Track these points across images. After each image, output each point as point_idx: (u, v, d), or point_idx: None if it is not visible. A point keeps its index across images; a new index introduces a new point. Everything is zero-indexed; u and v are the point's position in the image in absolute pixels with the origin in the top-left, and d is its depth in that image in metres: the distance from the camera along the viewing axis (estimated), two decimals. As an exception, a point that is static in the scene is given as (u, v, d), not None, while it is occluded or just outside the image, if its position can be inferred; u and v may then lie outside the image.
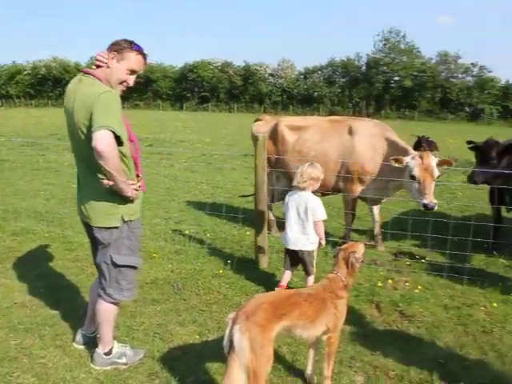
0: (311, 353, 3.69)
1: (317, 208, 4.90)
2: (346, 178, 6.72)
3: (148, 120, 37.27)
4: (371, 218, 7.19)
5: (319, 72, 68.67)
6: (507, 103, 57.28)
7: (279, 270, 5.90)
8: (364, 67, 67.11)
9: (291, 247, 5.04)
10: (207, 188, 11.22)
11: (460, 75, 63.24)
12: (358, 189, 6.75)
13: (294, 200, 5.03)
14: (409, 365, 3.93)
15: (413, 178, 5.97)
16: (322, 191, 6.89)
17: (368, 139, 6.68)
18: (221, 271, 5.83)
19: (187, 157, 16.23)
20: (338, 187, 6.94)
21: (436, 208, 5.96)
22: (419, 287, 5.43)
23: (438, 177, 6.04)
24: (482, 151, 6.53)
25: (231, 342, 2.99)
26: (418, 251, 6.68)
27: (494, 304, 5.04)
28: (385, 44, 66.01)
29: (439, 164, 6.03)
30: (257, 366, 2.97)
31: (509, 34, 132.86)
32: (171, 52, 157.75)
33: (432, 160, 5.96)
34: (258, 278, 5.68)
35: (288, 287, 5.12)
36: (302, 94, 65.83)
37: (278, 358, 3.96)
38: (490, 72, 61.48)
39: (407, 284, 5.50)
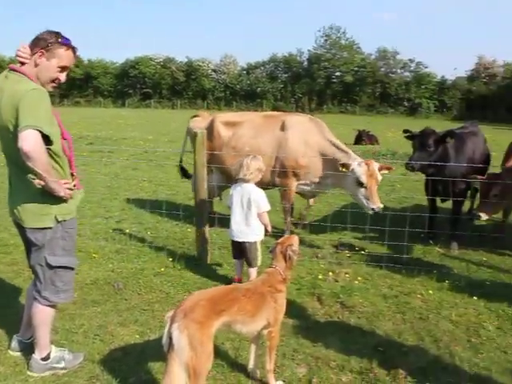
0: (253, 347, 3.70)
1: (260, 199, 5.03)
2: (282, 173, 6.83)
3: (89, 117, 36.44)
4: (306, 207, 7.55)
5: (261, 68, 69.01)
6: (443, 98, 59.39)
7: (221, 266, 5.93)
8: (306, 63, 67.95)
9: (236, 239, 5.17)
10: (149, 185, 11.08)
11: (398, 71, 65.04)
12: (294, 183, 6.89)
13: (238, 192, 5.12)
14: (350, 354, 4.01)
15: (360, 184, 6.18)
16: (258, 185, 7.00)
17: (301, 134, 6.84)
18: (162, 269, 5.77)
19: (129, 154, 15.94)
20: (273, 182, 7.01)
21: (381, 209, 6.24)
22: (359, 278, 5.56)
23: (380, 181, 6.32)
24: (419, 139, 6.71)
25: (170, 340, 2.97)
26: (358, 243, 6.85)
27: (430, 291, 5.23)
28: (326, 40, 67.07)
29: (380, 169, 6.30)
30: (197, 364, 2.96)
31: (444, 30, 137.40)
32: (112, 48, 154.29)
33: (376, 167, 6.22)
34: (201, 274, 5.66)
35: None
36: (245, 90, 65.95)
37: (221, 354, 3.97)
38: (426, 67, 63.79)
39: (347, 275, 5.62)
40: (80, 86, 68.93)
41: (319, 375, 3.73)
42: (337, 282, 5.47)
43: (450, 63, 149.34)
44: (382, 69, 64.37)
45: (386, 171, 6.44)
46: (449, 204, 7.22)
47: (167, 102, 66.81)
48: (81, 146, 16.35)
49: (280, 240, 3.76)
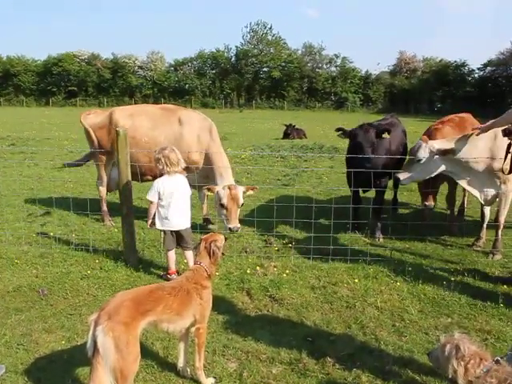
0: (182, 345, 3.67)
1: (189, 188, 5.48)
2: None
3: (10, 117, 34.97)
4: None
5: (189, 64, 68.43)
6: (368, 92, 61.19)
7: (151, 265, 5.84)
8: (233, 59, 68.00)
9: (175, 228, 5.34)
10: (75, 186, 10.73)
11: (324, 66, 66.39)
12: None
13: (171, 185, 5.28)
14: (279, 346, 4.07)
15: (221, 205, 6.64)
16: (152, 176, 7.15)
17: (196, 131, 7.23)
18: (89, 272, 5.62)
19: (53, 155, 15.42)
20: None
21: (239, 230, 6.73)
22: (288, 271, 5.64)
23: (242, 204, 6.75)
24: (364, 136, 6.81)
25: (95, 344, 2.91)
26: (286, 236, 6.91)
27: (356, 280, 5.39)
28: (253, 36, 67.40)
29: (246, 189, 6.85)
30: (124, 366, 2.92)
31: (367, 26, 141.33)
32: (32, 44, 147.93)
33: (239, 191, 6.69)
34: (129, 274, 5.57)
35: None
36: (173, 87, 65.28)
37: (151, 354, 3.94)
38: (351, 62, 65.47)
39: (276, 269, 5.69)
40: (-1, 84, 66.02)
41: (249, 369, 3.76)
42: (266, 275, 5.53)
43: (373, 58, 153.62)
44: (309, 64, 65.50)
45: (252, 192, 6.98)
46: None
47: (93, 100, 64.94)
48: (1, 148, 15.70)
49: (204, 236, 3.76)
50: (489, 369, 2.64)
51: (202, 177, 7.26)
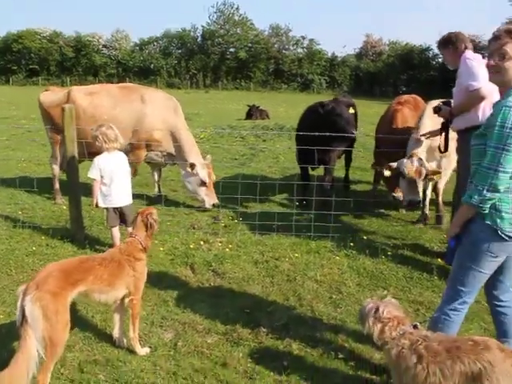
0: (117, 316, 3.72)
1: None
2: (133, 144, 7.10)
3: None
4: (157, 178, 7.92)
5: (155, 43, 67.25)
6: (333, 74, 61.37)
7: (97, 242, 5.86)
8: (200, 39, 67.16)
9: (118, 205, 5.32)
10: (29, 165, 10.59)
11: (291, 47, 66.23)
12: (143, 154, 7.30)
13: (113, 162, 5.23)
14: (217, 318, 4.17)
15: (203, 183, 6.93)
16: None
17: (160, 110, 7.21)
18: (35, 248, 5.60)
19: (10, 134, 15.07)
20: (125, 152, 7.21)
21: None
22: (232, 246, 5.74)
23: None
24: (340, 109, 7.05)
25: (23, 313, 2.93)
26: (235, 213, 6.98)
27: (298, 255, 5.52)
28: (219, 16, 66.66)
29: None
30: (53, 334, 2.97)
31: (334, 8, 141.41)
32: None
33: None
34: (75, 251, 5.57)
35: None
36: (138, 66, 64.05)
37: (90, 327, 4.02)
38: (318, 44, 65.32)
39: (221, 244, 5.78)
40: (-45, 63, 63.78)
41: (185, 338, 3.85)
42: (210, 250, 5.61)
43: (340, 41, 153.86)
44: (276, 45, 65.24)
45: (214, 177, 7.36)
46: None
47: (56, 79, 63.05)
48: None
49: (140, 210, 3.80)
50: (404, 332, 2.77)
51: (165, 156, 7.36)
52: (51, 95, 7.60)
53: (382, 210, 7.35)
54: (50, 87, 8.25)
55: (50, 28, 66.27)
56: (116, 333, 3.75)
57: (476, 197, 2.80)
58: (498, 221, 2.83)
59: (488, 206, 2.81)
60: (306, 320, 4.19)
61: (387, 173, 6.31)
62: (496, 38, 2.86)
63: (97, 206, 5.39)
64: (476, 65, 4.88)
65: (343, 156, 8.67)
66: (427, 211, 6.87)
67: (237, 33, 65.20)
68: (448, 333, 3.06)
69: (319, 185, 7.21)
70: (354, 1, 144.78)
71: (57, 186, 7.73)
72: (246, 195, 6.72)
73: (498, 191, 2.74)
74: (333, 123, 6.86)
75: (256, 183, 6.56)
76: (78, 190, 5.87)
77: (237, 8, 66.70)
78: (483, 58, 4.80)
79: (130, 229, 5.34)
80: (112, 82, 58.16)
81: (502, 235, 2.83)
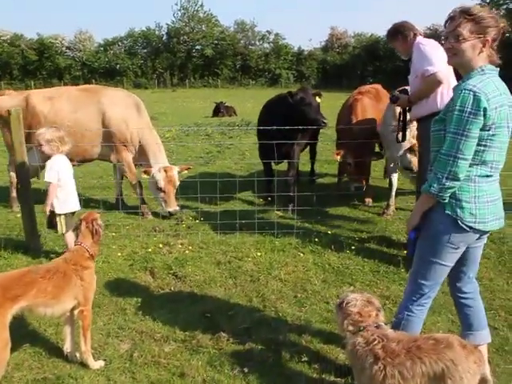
0: (67, 329, 3.50)
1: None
2: (111, 148, 6.87)
3: None
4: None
5: (119, 44, 66.37)
6: (301, 68, 61.52)
7: (53, 251, 5.60)
8: (165, 37, 66.59)
9: (76, 209, 5.14)
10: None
11: (257, 43, 66.16)
12: (128, 156, 6.99)
13: (64, 165, 5.02)
14: (176, 324, 3.98)
15: (159, 189, 6.61)
16: (80, 160, 6.97)
17: (122, 110, 6.91)
18: (-15, 260, 5.33)
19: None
20: (100, 156, 7.12)
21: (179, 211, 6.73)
22: (194, 248, 5.56)
23: (177, 185, 6.76)
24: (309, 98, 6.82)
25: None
26: (198, 213, 6.76)
27: (262, 253, 5.36)
28: (184, 13, 66.10)
29: (181, 170, 6.90)
30: (-9, 355, 2.75)
31: (298, 3, 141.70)
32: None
33: (175, 172, 6.71)
34: (29, 261, 5.30)
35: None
36: (104, 67, 63.16)
37: (41, 341, 3.80)
38: (284, 39, 65.43)
39: (181, 246, 5.59)
40: None
41: (141, 348, 3.66)
42: (171, 253, 5.41)
43: (305, 35, 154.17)
44: (242, 41, 65.06)
45: (186, 171, 7.12)
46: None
47: (19, 84, 61.47)
48: None
49: (83, 216, 3.58)
50: (362, 328, 2.65)
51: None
52: (7, 100, 7.19)
53: (348, 203, 7.23)
54: (5, 91, 7.86)
55: (11, 31, 64.75)
56: (67, 347, 3.53)
57: (435, 185, 2.67)
58: (459, 211, 2.70)
59: (447, 195, 2.68)
60: (269, 322, 4.03)
61: (338, 158, 6.49)
62: (451, 18, 2.71)
63: (51, 212, 5.04)
64: (429, 49, 4.80)
65: (307, 149, 8.55)
66: (392, 202, 6.80)
67: (202, 30, 64.91)
68: (412, 329, 2.95)
69: (283, 180, 7.07)
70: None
71: (14, 193, 7.38)
72: (208, 194, 6.58)
73: (457, 179, 2.61)
74: (302, 113, 6.61)
75: (220, 181, 6.41)
76: (29, 195, 5.59)
77: (201, 5, 66.46)
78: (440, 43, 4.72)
79: (67, 235, 5.05)
80: (78, 84, 57.39)
81: (463, 226, 2.71)
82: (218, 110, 22.37)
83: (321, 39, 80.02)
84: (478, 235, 2.80)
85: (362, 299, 2.77)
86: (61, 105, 6.89)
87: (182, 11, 66.00)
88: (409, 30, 5.06)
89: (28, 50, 63.03)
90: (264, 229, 5.95)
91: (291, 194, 6.83)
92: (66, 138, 4.99)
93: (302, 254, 5.36)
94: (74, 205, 5.11)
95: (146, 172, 6.61)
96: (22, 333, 3.81)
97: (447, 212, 2.72)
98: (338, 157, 6.49)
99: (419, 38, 5.00)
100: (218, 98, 28.27)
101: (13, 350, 3.63)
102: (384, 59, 56.20)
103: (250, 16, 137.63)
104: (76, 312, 3.35)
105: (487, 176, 2.71)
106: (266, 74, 62.59)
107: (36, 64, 63.27)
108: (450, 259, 2.85)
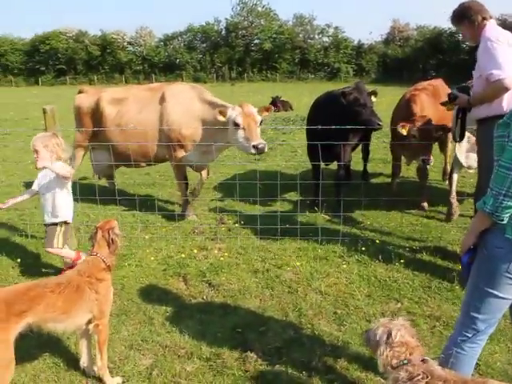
0: (84, 343, 3.32)
1: None
2: (168, 146, 6.45)
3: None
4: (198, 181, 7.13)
5: (179, 38, 67.05)
6: (360, 62, 60.22)
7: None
8: (224, 31, 66.72)
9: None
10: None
11: (316, 36, 65.23)
12: (182, 155, 6.50)
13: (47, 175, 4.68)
14: (203, 339, 3.72)
15: (237, 125, 5.85)
16: (145, 161, 6.67)
17: (182, 104, 6.48)
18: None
19: (26, 136, 14.90)
20: (161, 156, 6.72)
21: (266, 149, 5.87)
22: (227, 253, 5.29)
23: (261, 122, 5.99)
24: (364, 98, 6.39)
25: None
26: (241, 215, 6.41)
27: (299, 263, 5.00)
28: (242, 8, 66.05)
29: (260, 111, 6.06)
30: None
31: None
32: (18, 22, 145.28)
33: (251, 107, 5.96)
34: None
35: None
36: (164, 62, 64.06)
37: (61, 352, 3.63)
38: (343, 32, 64.25)
39: (218, 251, 5.30)
40: (-15, 65, 65.08)
41: (162, 366, 3.42)
42: (207, 259, 5.14)
43: (365, 27, 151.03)
44: (300, 35, 64.33)
45: (266, 113, 6.21)
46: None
47: (83, 78, 63.65)
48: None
49: (99, 225, 3.34)
50: (407, 362, 2.28)
51: (202, 153, 6.50)
52: (85, 98, 7.21)
53: (401, 207, 6.70)
54: (84, 88, 7.82)
55: (76, 28, 66.83)
56: (84, 361, 3.34)
57: (491, 203, 2.25)
58: None
59: (506, 215, 2.25)
60: (303, 342, 3.68)
61: (403, 131, 5.90)
62: None
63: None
64: (498, 48, 4.16)
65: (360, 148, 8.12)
66: (455, 204, 6.24)
67: (261, 24, 64.59)
68: (461, 369, 2.53)
69: (334, 182, 6.69)
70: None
71: None
72: (252, 194, 6.25)
73: None
74: (356, 114, 6.18)
75: (263, 182, 6.07)
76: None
77: (260, -1, 66.05)
78: None
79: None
80: (138, 79, 59.08)
81: None
82: (274, 105, 22.04)
83: (382, 32, 77.86)
84: None
85: (405, 328, 2.39)
86: (127, 106, 6.77)
87: (241, 5, 65.99)
88: (476, 14, 4.40)
89: (92, 45, 64.83)
90: (307, 235, 5.58)
91: (338, 197, 6.42)
92: (65, 145, 4.67)
93: (346, 264, 4.96)
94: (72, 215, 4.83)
95: (221, 112, 5.86)
96: (43, 340, 3.64)
97: (507, 236, 2.30)
98: (404, 130, 5.98)
99: (488, 28, 4.35)
100: (275, 91, 27.94)
101: (33, 358, 3.54)
102: (448, 52, 54.20)
103: (309, 9, 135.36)
104: (91, 326, 3.13)
105: None
106: (325, 67, 61.59)
107: (99, 59, 65.06)
108: (508, 292, 2.41)
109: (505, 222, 2.27)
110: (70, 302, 2.94)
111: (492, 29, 4.38)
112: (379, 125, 6.15)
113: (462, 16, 4.55)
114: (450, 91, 5.46)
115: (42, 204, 4.74)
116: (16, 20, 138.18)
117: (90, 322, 3.13)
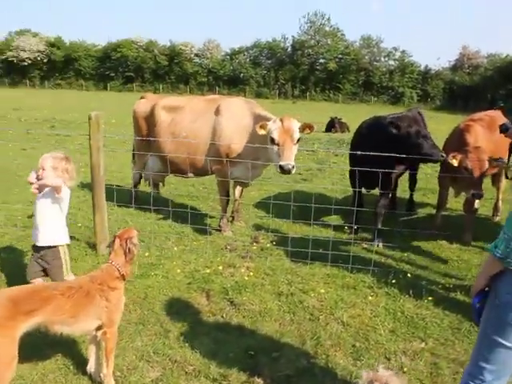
0: (92, 348, 3.35)
1: None
2: (216, 160, 6.46)
3: (63, 100, 35.81)
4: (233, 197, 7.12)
5: (245, 53, 67.98)
6: (426, 87, 59.13)
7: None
8: (290, 49, 67.16)
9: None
10: (87, 171, 10.57)
11: (382, 59, 64.60)
12: (228, 170, 6.49)
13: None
14: (214, 358, 3.68)
15: (272, 141, 5.75)
16: (194, 172, 6.78)
17: (235, 118, 6.45)
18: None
19: (85, 138, 15.40)
20: (210, 169, 6.67)
21: (294, 171, 5.69)
22: (253, 273, 5.21)
23: (298, 140, 5.83)
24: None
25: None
26: (276, 235, 6.33)
27: (328, 289, 4.88)
28: (310, 26, 66.36)
29: (302, 128, 5.87)
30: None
31: (429, 19, 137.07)
32: (93, 29, 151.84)
33: (293, 123, 5.77)
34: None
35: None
36: (228, 75, 65.12)
37: (72, 354, 3.68)
38: (410, 56, 63.38)
39: (245, 270, 5.24)
40: (61, 69, 68.06)
41: (167, 381, 3.41)
42: (233, 276, 5.09)
43: (433, 53, 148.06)
44: (366, 57, 63.90)
45: (308, 130, 5.96)
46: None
47: (149, 86, 65.59)
48: (42, 130, 16.09)
49: (118, 233, 3.37)
50: None
51: (248, 168, 6.25)
52: (144, 104, 7.35)
53: (441, 241, 6.47)
54: (146, 94, 8.00)
55: (146, 37, 69.13)
56: (91, 366, 3.38)
57: (502, 247, 2.14)
58: None
59: None
60: (315, 372, 3.58)
61: (454, 162, 5.68)
62: None
63: None
64: None
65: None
66: None
67: (327, 43, 64.67)
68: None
69: (373, 211, 6.52)
70: (448, 11, 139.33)
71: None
72: (294, 215, 6.19)
73: None
74: (414, 146, 5.91)
75: (299, 204, 6.01)
76: (103, 203, 5.59)
77: (328, 18, 66.34)
78: None
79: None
80: (202, 90, 60.22)
81: None
82: (332, 126, 21.94)
83: (450, 58, 76.19)
84: None
85: (396, 378, 2.28)
86: (182, 115, 6.80)
87: (309, 24, 66.34)
88: None
89: (160, 55, 66.71)
90: (338, 261, 5.45)
91: (376, 226, 6.26)
92: (74, 173, 4.19)
93: (373, 296, 4.80)
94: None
95: (262, 126, 5.74)
96: (57, 340, 3.66)
97: None
98: (455, 160, 5.75)
99: None
100: (336, 112, 27.87)
101: (45, 357, 3.60)
102: (518, 82, 52.49)
103: (377, 31, 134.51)
104: (99, 333, 3.15)
105: None
106: (389, 91, 60.85)
107: (166, 69, 67.00)
108: None
109: None
110: (78, 306, 2.98)
111: None
112: (442, 156, 5.86)
113: None
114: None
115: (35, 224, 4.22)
116: (91, 27, 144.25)
117: (99, 328, 3.15)
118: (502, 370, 2.34)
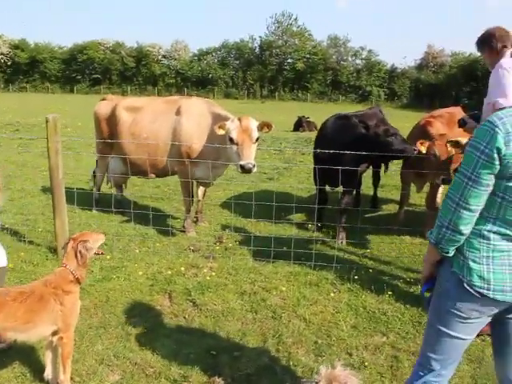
0: (48, 354, 3.28)
1: None
2: (178, 160, 6.43)
3: (28, 103, 35.18)
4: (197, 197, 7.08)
5: (213, 54, 67.95)
6: (392, 86, 59.96)
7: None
8: (257, 49, 67.35)
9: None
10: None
11: (350, 58, 65.29)
12: (189, 170, 6.41)
13: None
14: (174, 360, 3.65)
15: (231, 140, 5.70)
16: (155, 173, 6.68)
17: (196, 118, 6.42)
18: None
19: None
20: (172, 170, 6.62)
21: (255, 170, 5.63)
22: (215, 273, 5.19)
23: (257, 139, 5.79)
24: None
25: None
26: (241, 235, 6.37)
27: (291, 287, 4.89)
28: (277, 27, 66.65)
29: (260, 126, 5.83)
30: None
31: (394, 18, 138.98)
32: (58, 31, 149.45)
33: (251, 122, 5.74)
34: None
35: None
36: (196, 76, 64.92)
37: (31, 362, 3.59)
38: (377, 56, 64.22)
39: (207, 270, 5.22)
40: (26, 72, 66.84)
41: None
42: (196, 277, 5.07)
43: (399, 52, 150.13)
44: (334, 56, 64.48)
45: (267, 129, 5.92)
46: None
47: (117, 88, 64.84)
48: (5, 134, 15.98)
49: (74, 236, 3.31)
50: None
51: (209, 168, 6.16)
52: (104, 106, 7.28)
53: (405, 237, 6.55)
54: (108, 96, 7.93)
55: (113, 39, 68.46)
56: (48, 373, 3.31)
57: (435, 233, 2.19)
58: (465, 271, 2.16)
59: (450, 248, 2.17)
60: (275, 370, 3.58)
61: (422, 148, 5.68)
62: None
63: None
64: (510, 77, 4.13)
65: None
66: None
67: (295, 43, 65.06)
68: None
69: (337, 208, 6.55)
70: (415, 11, 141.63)
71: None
72: (259, 213, 6.22)
73: (459, 232, 2.10)
74: (385, 145, 5.94)
75: (260, 203, 5.98)
76: (64, 204, 5.50)
77: (295, 19, 66.66)
78: None
79: None
80: (171, 92, 59.90)
81: (471, 290, 2.15)
82: (300, 125, 21.99)
83: (416, 57, 77.37)
84: (503, 307, 2.20)
85: (355, 377, 2.29)
86: (142, 116, 6.75)
87: (276, 25, 66.63)
88: (497, 41, 4.38)
89: (127, 57, 66.12)
90: (301, 259, 5.48)
91: (340, 223, 6.31)
92: (1, 191, 3.95)
93: (336, 292, 4.83)
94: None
95: (220, 126, 5.67)
96: (13, 347, 3.61)
97: (453, 270, 2.20)
98: (423, 147, 5.80)
99: (506, 55, 4.32)
100: (304, 112, 27.93)
101: (1, 366, 3.50)
102: (482, 80, 53.46)
103: (344, 31, 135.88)
104: (55, 338, 3.09)
105: (508, 235, 2.12)
106: (357, 90, 61.52)
107: (133, 70, 66.49)
108: (461, 330, 2.26)
109: (450, 254, 2.18)
110: (32, 311, 2.91)
111: (508, 58, 4.31)
112: (415, 150, 5.87)
113: (483, 42, 4.55)
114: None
115: None
116: (56, 29, 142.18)
117: (55, 333, 3.09)
118: (447, 359, 2.36)
